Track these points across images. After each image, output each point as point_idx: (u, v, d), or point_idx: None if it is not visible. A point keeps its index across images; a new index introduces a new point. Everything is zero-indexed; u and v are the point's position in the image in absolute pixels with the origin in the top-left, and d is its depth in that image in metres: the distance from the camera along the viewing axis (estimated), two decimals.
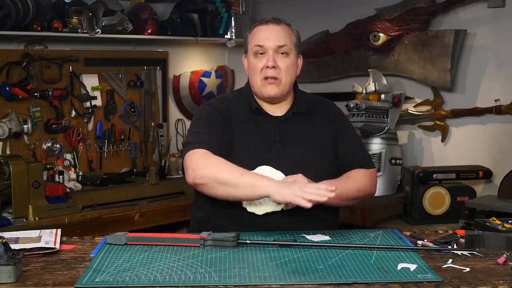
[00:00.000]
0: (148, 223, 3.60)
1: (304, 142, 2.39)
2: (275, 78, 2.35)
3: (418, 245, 2.02)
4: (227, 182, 2.17)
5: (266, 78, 2.35)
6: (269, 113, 2.42)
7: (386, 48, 4.06)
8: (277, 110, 2.43)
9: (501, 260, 1.83)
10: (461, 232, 2.11)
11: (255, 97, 2.44)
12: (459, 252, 1.95)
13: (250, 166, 2.24)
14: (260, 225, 2.24)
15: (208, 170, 2.19)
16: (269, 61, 2.34)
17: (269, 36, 2.36)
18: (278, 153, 2.33)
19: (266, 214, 2.25)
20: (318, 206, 2.28)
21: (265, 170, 2.25)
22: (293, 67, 2.40)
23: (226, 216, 2.30)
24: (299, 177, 2.20)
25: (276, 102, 2.42)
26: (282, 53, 2.36)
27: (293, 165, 2.26)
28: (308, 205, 2.08)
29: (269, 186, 2.13)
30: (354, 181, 2.38)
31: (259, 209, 2.25)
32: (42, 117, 3.81)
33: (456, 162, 3.89)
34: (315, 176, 2.24)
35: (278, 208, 2.24)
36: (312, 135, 2.41)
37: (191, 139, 2.32)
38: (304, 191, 2.08)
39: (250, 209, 2.26)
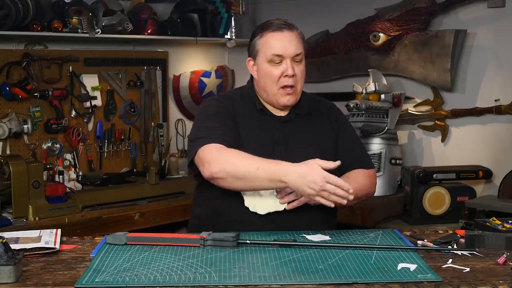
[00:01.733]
0: (148, 223, 3.60)
1: (306, 143, 2.39)
2: (292, 87, 2.35)
3: (418, 245, 2.02)
4: (244, 177, 2.17)
5: (284, 87, 2.35)
6: (273, 113, 2.43)
7: (386, 48, 4.06)
8: (280, 111, 2.44)
9: (501, 260, 1.83)
10: (461, 232, 2.11)
11: (259, 97, 2.44)
12: (459, 252, 1.95)
13: None
14: (260, 225, 2.24)
15: (225, 165, 2.18)
16: (289, 69, 2.33)
17: (286, 45, 2.33)
18: (281, 154, 2.32)
19: (268, 213, 2.26)
20: (317, 207, 2.29)
21: None
22: (305, 73, 2.41)
23: (227, 215, 2.31)
24: (316, 162, 2.14)
25: (288, 109, 2.43)
26: (297, 61, 2.36)
27: None
28: (331, 204, 2.11)
29: (289, 180, 2.12)
30: (353, 181, 2.38)
31: (262, 209, 2.25)
32: (42, 117, 3.81)
33: (456, 162, 3.89)
34: None
35: (281, 208, 2.24)
36: (314, 136, 2.42)
37: (202, 134, 2.29)
38: (324, 192, 2.08)
39: (253, 209, 2.26)
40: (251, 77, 2.47)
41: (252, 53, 2.41)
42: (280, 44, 2.33)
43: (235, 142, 2.27)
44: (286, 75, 2.33)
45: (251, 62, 2.43)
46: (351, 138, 2.51)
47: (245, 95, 2.46)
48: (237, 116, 2.38)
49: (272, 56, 2.33)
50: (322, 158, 2.35)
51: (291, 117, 2.43)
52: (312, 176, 2.08)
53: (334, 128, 2.46)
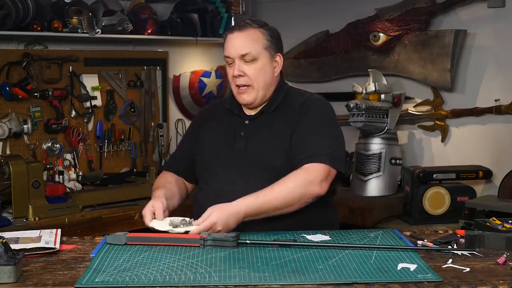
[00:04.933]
0: None
1: (265, 141, 2.37)
2: (246, 86, 2.37)
3: (418, 245, 2.02)
4: None
5: (238, 86, 2.39)
6: (244, 113, 2.46)
7: (386, 48, 4.06)
8: (252, 110, 2.46)
9: (501, 260, 1.83)
10: (461, 232, 2.11)
11: (236, 98, 2.47)
12: (459, 252, 1.95)
13: (213, 166, 2.34)
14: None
15: None
16: (235, 70, 2.37)
17: (234, 45, 2.37)
18: (239, 152, 2.36)
19: None
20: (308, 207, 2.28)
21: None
22: (264, 71, 2.38)
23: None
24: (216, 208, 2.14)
25: (255, 107, 2.44)
26: (247, 61, 2.36)
27: (249, 164, 2.30)
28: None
29: None
30: (276, 191, 2.21)
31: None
32: (42, 117, 3.81)
33: (456, 162, 3.89)
34: (273, 175, 2.25)
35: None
36: (275, 132, 2.38)
37: (173, 154, 2.79)
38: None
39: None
40: None
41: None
42: (228, 45, 2.39)
43: (186, 159, 2.52)
44: (234, 76, 2.37)
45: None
46: (307, 129, 2.33)
47: (226, 99, 2.58)
48: (210, 121, 2.52)
49: (225, 58, 2.42)
50: (278, 156, 2.34)
51: (256, 116, 2.44)
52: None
53: (296, 122, 2.36)
